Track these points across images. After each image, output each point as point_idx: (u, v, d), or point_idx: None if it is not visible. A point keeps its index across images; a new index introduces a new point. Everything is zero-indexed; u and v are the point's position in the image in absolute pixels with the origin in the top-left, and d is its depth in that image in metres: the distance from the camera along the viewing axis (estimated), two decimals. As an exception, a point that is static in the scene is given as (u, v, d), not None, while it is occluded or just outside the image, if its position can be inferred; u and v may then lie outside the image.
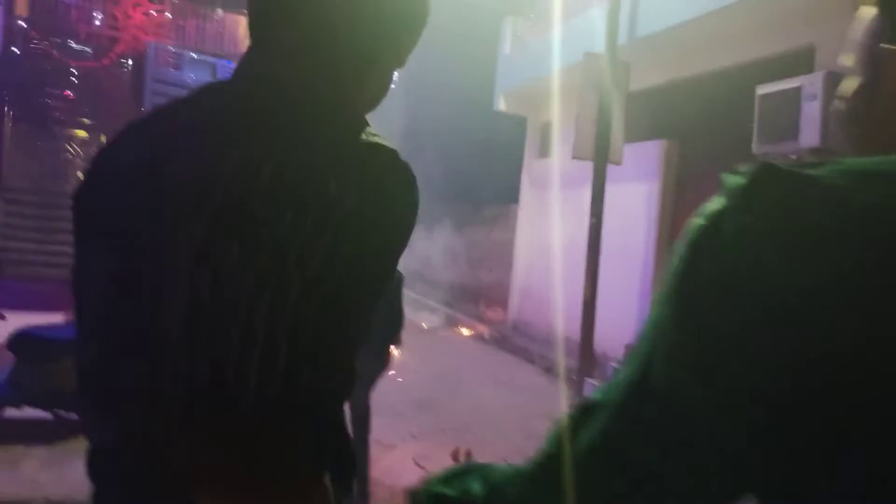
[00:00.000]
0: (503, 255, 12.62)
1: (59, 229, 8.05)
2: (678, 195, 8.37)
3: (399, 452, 5.41)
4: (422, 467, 5.05)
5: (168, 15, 7.86)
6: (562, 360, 9.49)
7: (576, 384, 8.32)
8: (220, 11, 7.85)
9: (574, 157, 8.47)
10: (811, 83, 5.49)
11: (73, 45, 7.00)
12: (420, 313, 14.03)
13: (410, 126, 19.23)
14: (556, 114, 10.95)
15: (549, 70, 10.20)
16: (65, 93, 7.11)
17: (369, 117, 1.04)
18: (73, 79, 7.50)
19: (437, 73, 17.79)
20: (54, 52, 6.97)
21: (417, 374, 8.38)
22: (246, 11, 1.02)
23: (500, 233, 13.03)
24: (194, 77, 7.96)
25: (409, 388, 7.64)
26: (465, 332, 12.08)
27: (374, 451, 5.42)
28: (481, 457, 5.41)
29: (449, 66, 17.34)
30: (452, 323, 12.92)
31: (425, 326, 12.16)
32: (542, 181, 11.34)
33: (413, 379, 8.13)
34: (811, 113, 5.44)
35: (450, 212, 15.93)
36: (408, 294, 15.76)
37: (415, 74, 18.96)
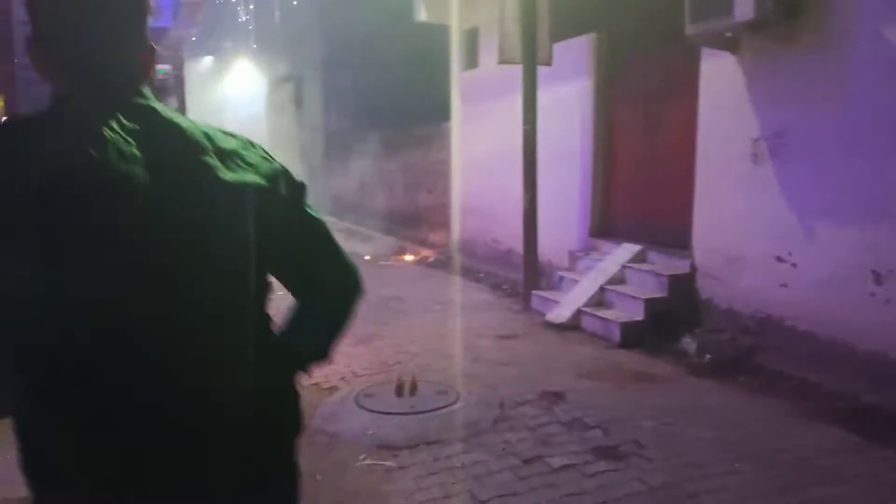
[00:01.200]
0: (441, 176, 12.18)
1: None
2: (610, 91, 8.00)
3: (340, 394, 5.10)
4: (365, 408, 4.75)
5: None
6: (506, 275, 9.28)
7: (523, 297, 8.14)
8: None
9: (500, 62, 7.99)
10: (740, -50, 5.08)
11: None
12: (361, 244, 13.62)
13: (329, 51, 18.20)
14: (477, 18, 10.32)
15: (466, -30, 9.51)
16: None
17: None
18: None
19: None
20: None
21: (362, 307, 8.04)
22: None
23: (435, 153, 12.55)
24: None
25: (353, 324, 7.31)
26: (409, 258, 11.75)
27: (314, 397, 5.11)
28: (427, 386, 5.15)
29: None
30: (395, 251, 12.56)
31: (367, 258, 11.78)
32: (472, 94, 10.81)
33: (358, 313, 7.80)
34: (743, -17, 5.06)
35: (380, 137, 15.29)
36: (347, 225, 15.36)
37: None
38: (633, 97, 7.64)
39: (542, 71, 7.85)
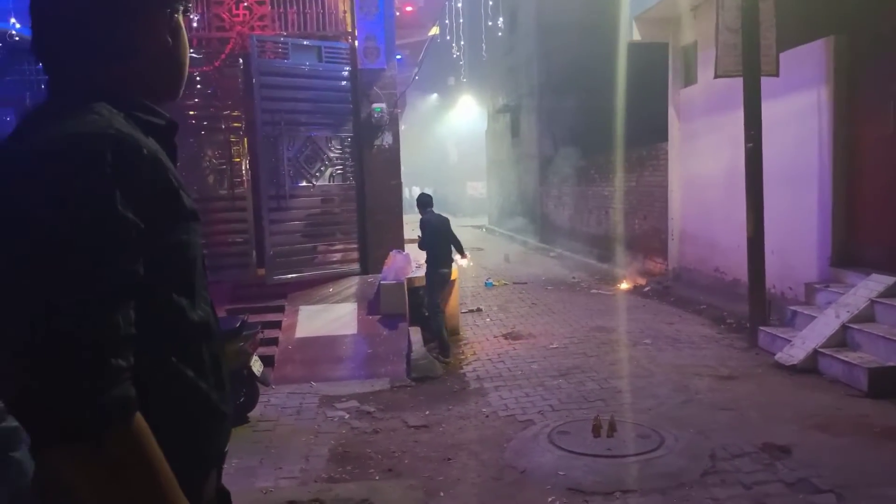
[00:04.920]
0: (657, 200, 11.54)
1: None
2: (853, 99, 6.97)
3: (534, 429, 4.94)
4: (558, 446, 4.53)
5: (268, 5, 7.81)
6: (731, 308, 8.43)
7: (748, 333, 7.32)
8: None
9: (717, 76, 7.38)
10: None
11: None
12: (572, 270, 13.35)
13: (544, 80, 18.30)
14: (696, 31, 9.67)
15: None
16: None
17: None
18: (198, 86, 7.70)
19: (568, 17, 16.69)
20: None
21: (565, 338, 7.83)
22: None
23: (650, 175, 11.94)
24: (300, 62, 7.90)
25: (554, 355, 7.14)
26: (623, 286, 11.23)
27: (508, 429, 5.02)
28: (628, 427, 4.80)
29: (581, 8, 16.19)
30: (608, 278, 12.11)
31: (577, 284, 11.48)
32: (690, 111, 10.13)
33: (561, 343, 7.60)
34: None
35: (594, 162, 14.96)
36: (560, 252, 15.25)
37: (545, 23, 17.97)
38: (882, 106, 6.58)
39: (767, 83, 7.09)
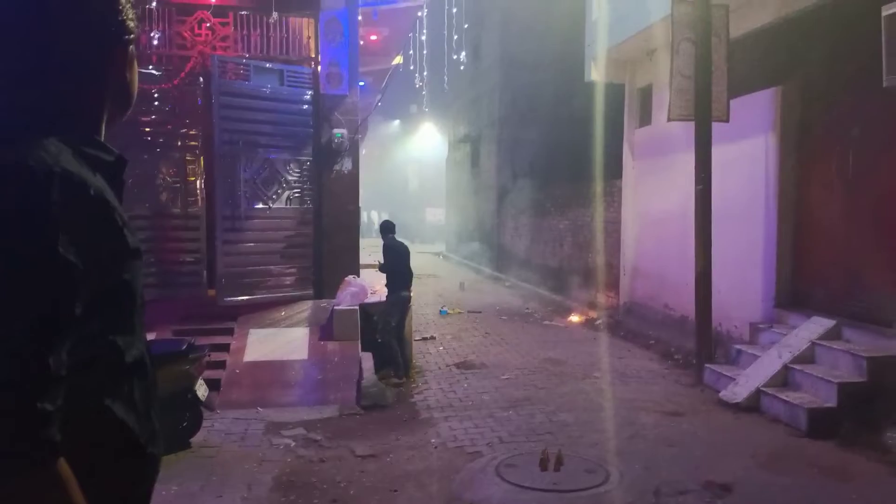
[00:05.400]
0: (610, 236, 11.77)
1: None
2: (800, 147, 7.27)
3: (482, 461, 4.93)
4: (505, 479, 4.52)
5: (231, 27, 7.78)
6: (679, 344, 8.60)
7: (695, 370, 7.47)
8: (275, 15, 7.66)
9: (670, 119, 7.60)
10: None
11: (143, 70, 7.05)
12: (525, 301, 13.45)
13: (504, 112, 18.59)
14: (652, 74, 9.99)
15: (638, 28, 9.30)
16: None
17: None
18: (155, 102, 7.59)
19: (531, 52, 17.04)
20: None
21: (517, 369, 7.86)
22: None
23: (605, 211, 12.19)
24: (262, 84, 7.86)
25: (505, 386, 7.15)
26: (575, 318, 11.37)
27: (457, 461, 4.99)
28: (575, 461, 4.82)
29: (543, 44, 16.56)
30: (561, 310, 12.24)
31: (530, 314, 11.57)
32: (644, 151, 10.40)
33: (512, 374, 7.63)
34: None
35: (551, 195, 15.19)
36: (514, 282, 15.41)
37: (508, 57, 18.30)
38: (826, 152, 6.87)
39: (718, 127, 7.35)
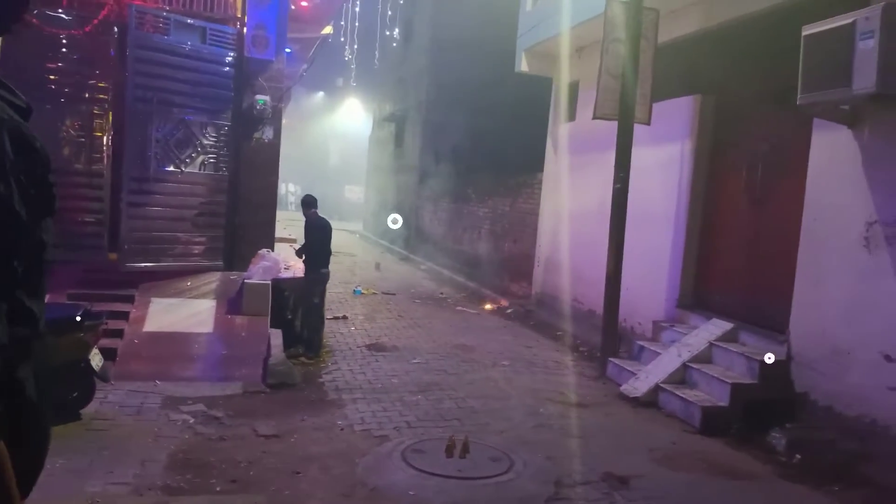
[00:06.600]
0: (528, 227, 11.95)
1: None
2: (713, 155, 7.58)
3: (389, 446, 4.89)
4: (411, 465, 4.51)
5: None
6: (586, 337, 8.86)
7: (600, 363, 7.71)
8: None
9: (595, 118, 7.74)
10: (867, 18, 4.67)
11: (51, 12, 6.50)
12: (440, 286, 13.50)
13: (432, 95, 18.49)
14: (580, 71, 10.15)
15: (571, 24, 9.40)
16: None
17: None
18: (63, 49, 7.03)
19: (463, 37, 16.97)
20: (34, 20, 6.48)
21: (428, 354, 7.87)
22: None
23: (524, 203, 12.36)
24: (182, 41, 7.45)
25: (415, 370, 7.13)
26: (488, 306, 11.50)
27: (363, 444, 4.94)
28: (480, 449, 4.86)
29: (475, 30, 16.51)
30: (474, 297, 12.36)
31: (444, 299, 11.62)
32: (567, 147, 10.58)
33: (423, 359, 7.62)
34: (867, 53, 4.64)
35: (472, 182, 15.27)
36: (431, 266, 15.38)
37: (439, 40, 18.16)
38: (737, 164, 7.18)
39: (640, 130, 7.55)
